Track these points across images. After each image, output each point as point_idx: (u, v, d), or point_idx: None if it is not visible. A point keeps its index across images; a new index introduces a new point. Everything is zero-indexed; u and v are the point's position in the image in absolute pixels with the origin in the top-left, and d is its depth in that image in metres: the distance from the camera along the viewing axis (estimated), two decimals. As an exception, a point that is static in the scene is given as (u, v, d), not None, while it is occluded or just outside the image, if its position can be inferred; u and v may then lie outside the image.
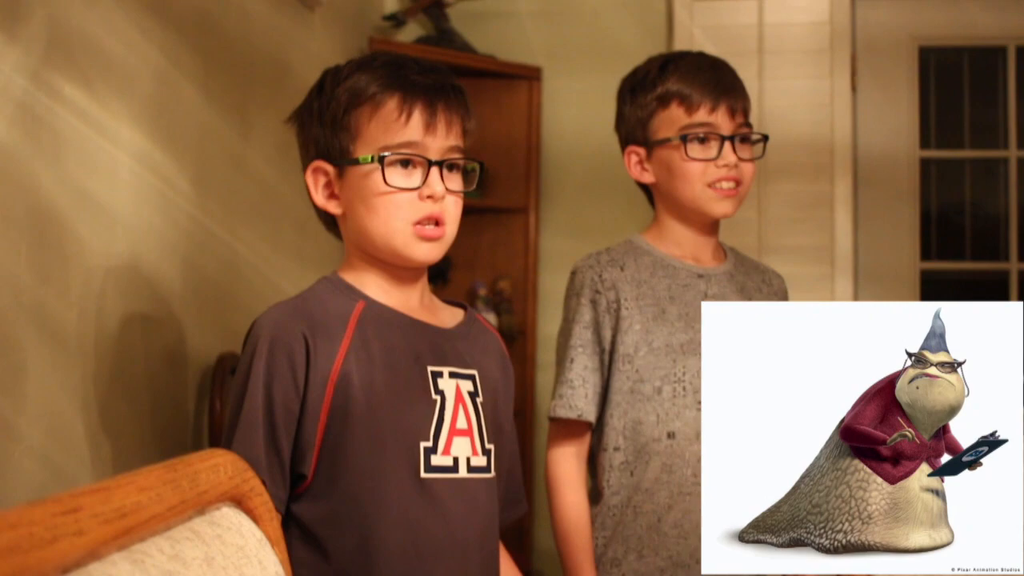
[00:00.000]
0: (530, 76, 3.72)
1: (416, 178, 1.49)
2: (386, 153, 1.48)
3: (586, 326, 1.94)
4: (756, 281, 2.05)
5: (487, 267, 3.71)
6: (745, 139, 1.94)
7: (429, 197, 1.49)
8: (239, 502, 1.08)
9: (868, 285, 3.74)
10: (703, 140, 1.91)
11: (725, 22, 3.72)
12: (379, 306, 1.52)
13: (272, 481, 1.39)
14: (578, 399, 1.91)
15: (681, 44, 3.68)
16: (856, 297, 3.65)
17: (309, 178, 1.56)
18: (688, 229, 1.99)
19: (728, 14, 3.72)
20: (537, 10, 3.86)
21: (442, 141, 1.51)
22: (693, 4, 3.72)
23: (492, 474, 1.55)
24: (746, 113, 1.95)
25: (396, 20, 3.73)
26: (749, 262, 2.08)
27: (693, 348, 1.89)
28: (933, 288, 3.82)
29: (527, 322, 3.65)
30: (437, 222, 1.51)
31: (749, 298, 1.99)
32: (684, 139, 1.90)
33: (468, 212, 3.66)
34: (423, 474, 1.45)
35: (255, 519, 1.09)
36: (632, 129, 1.99)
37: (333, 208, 1.55)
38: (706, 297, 1.95)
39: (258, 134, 2.68)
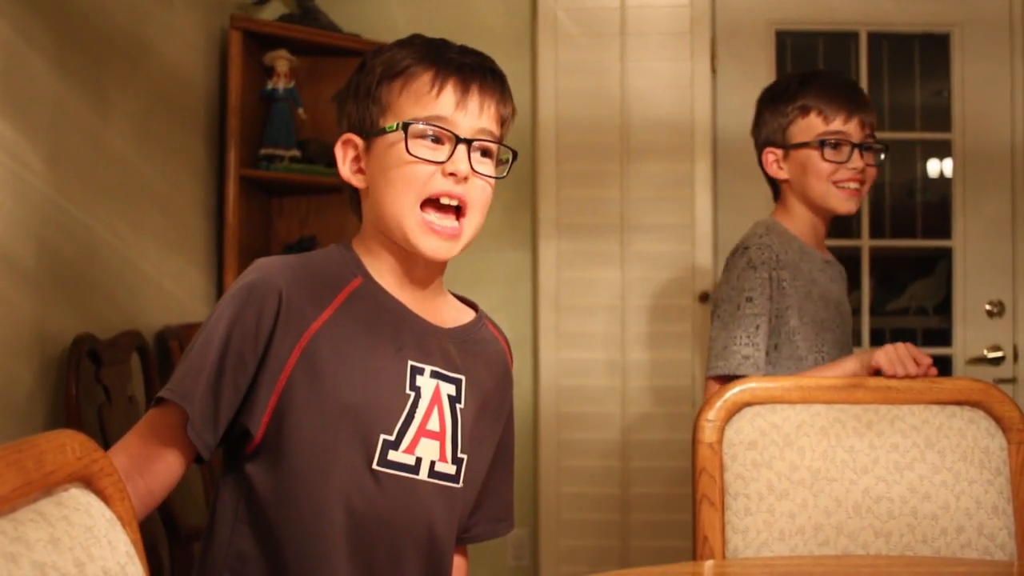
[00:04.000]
0: (396, 52, 3.71)
1: (442, 153, 1.44)
2: (412, 121, 1.44)
3: (768, 298, 2.20)
4: (840, 269, 2.39)
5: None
6: (870, 148, 2.26)
7: (452, 174, 1.43)
8: (88, 483, 1.07)
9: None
10: (836, 146, 2.22)
11: (588, 4, 3.76)
12: (376, 287, 1.47)
13: (202, 422, 1.36)
14: (761, 361, 2.14)
15: (545, 26, 3.72)
16: (715, 273, 3.73)
17: (339, 151, 1.51)
18: (811, 222, 2.30)
19: (591, -4, 3.76)
20: (402, -11, 3.85)
21: (473, 120, 1.46)
22: (556, -15, 3.75)
23: (459, 485, 1.51)
24: (873, 126, 2.27)
25: (259, -2, 3.70)
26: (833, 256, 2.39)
27: (829, 325, 2.23)
28: (789, 265, 3.93)
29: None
30: (458, 212, 1.45)
31: (843, 283, 2.36)
32: (821, 143, 2.22)
33: (333, 191, 3.66)
34: (375, 466, 1.42)
35: (105, 499, 1.08)
36: (772, 132, 2.32)
37: (357, 182, 1.50)
38: (832, 281, 2.30)
39: (116, 113, 2.63)
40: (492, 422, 1.59)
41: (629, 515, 3.65)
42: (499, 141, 1.51)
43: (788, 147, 2.28)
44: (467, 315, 1.58)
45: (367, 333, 1.43)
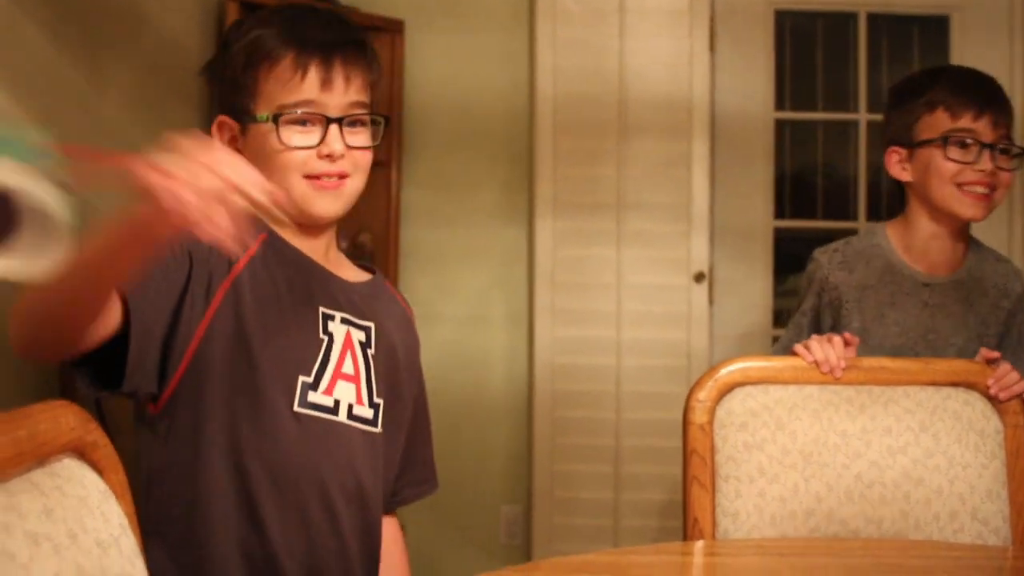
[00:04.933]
0: (393, 29, 3.70)
1: (314, 136, 1.47)
2: (281, 112, 1.46)
3: (805, 313, 2.14)
4: (987, 287, 2.11)
5: (349, 220, 3.61)
6: (1005, 151, 2.03)
7: (327, 156, 1.47)
8: (82, 454, 1.07)
9: (723, 242, 3.83)
10: (964, 145, 2.01)
11: (588, -20, 3.75)
12: (282, 241, 1.51)
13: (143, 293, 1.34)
14: None
15: (543, 2, 3.71)
16: (711, 253, 3.73)
17: (215, 132, 1.53)
18: (936, 229, 2.07)
19: (591, -27, 3.75)
20: (401, -37, 3.84)
21: (341, 98, 1.48)
22: (556, -38, 3.73)
23: (378, 430, 1.55)
24: (1009, 128, 2.05)
25: (257, -31, 3.67)
26: (990, 266, 2.13)
27: (903, 352, 2.03)
28: (786, 246, 3.94)
29: (389, 275, 3.65)
30: (340, 178, 1.50)
31: (972, 307, 2.08)
32: (945, 141, 2.01)
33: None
34: (296, 407, 1.45)
35: (99, 471, 1.08)
36: (897, 131, 2.10)
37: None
38: (926, 307, 2.07)
39: (111, 83, 2.62)
40: (406, 377, 1.62)
41: (622, 494, 3.65)
42: (369, 109, 1.53)
43: (912, 145, 2.06)
44: (366, 275, 1.63)
45: (279, 282, 1.48)
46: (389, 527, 1.66)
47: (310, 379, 1.46)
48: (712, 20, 3.79)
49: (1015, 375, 1.84)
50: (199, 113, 3.24)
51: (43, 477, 0.99)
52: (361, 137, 1.52)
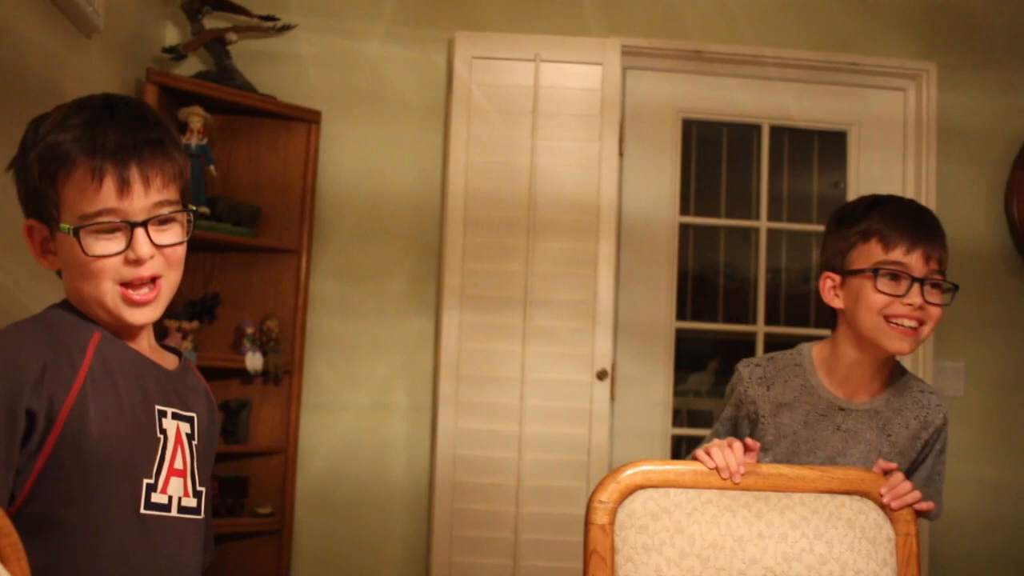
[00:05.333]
0: (309, 119, 3.73)
1: (120, 242, 1.46)
2: (82, 224, 1.45)
3: (723, 422, 2.17)
4: (907, 418, 2.12)
5: (256, 306, 3.68)
6: (936, 285, 2.03)
7: (135, 261, 1.47)
8: (-13, 543, 1.06)
9: (627, 340, 3.90)
10: (895, 277, 2.02)
11: (503, 81, 3.82)
12: (113, 339, 1.51)
13: (4, 483, 1.36)
14: None
15: (459, 99, 3.77)
16: (615, 351, 3.79)
17: (26, 236, 1.53)
18: (860, 358, 2.08)
19: (506, 74, 3.83)
20: (320, 54, 3.89)
21: (142, 200, 1.46)
22: (472, 61, 3.80)
23: (201, 516, 1.58)
24: (942, 263, 2.05)
25: (176, 53, 3.70)
26: (912, 397, 2.13)
27: None
28: (687, 346, 4.02)
29: (295, 362, 3.65)
30: (153, 280, 1.49)
31: (888, 436, 2.09)
32: (876, 272, 2.02)
33: (240, 250, 3.64)
34: (143, 510, 1.47)
35: (2, 559, 1.08)
36: (832, 256, 2.12)
37: (49, 265, 1.53)
38: (838, 431, 2.09)
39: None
40: (207, 460, 1.64)
41: (519, 588, 3.65)
42: (178, 204, 1.52)
43: (845, 273, 2.07)
44: (175, 358, 1.62)
45: (118, 384, 1.48)
46: None
47: (152, 480, 1.49)
48: (622, 125, 3.89)
49: (907, 485, 1.90)
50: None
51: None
52: (170, 234, 1.50)
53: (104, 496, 1.43)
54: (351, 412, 3.80)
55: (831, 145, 4.17)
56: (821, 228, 3.98)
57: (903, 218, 2.05)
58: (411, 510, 3.79)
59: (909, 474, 2.08)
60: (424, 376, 3.82)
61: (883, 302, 2.00)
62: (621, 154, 3.89)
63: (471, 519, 3.67)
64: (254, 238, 3.62)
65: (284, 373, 3.64)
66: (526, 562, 3.65)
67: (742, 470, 1.87)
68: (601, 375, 3.72)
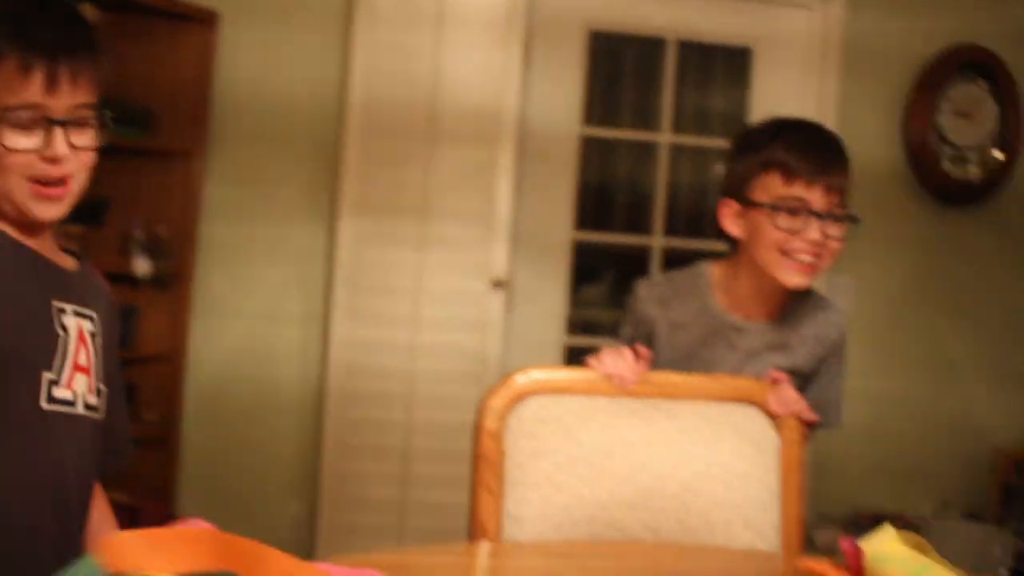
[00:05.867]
0: (206, 20, 3.61)
1: (37, 139, 1.44)
2: (3, 115, 1.42)
3: (624, 340, 2.06)
4: (806, 336, 2.09)
5: (147, 211, 3.58)
6: (836, 218, 1.98)
7: (51, 159, 1.45)
8: None
9: (524, 251, 3.88)
10: (794, 212, 1.96)
11: (406, -15, 3.74)
12: (8, 237, 1.49)
13: None
14: None
15: (362, 3, 3.68)
16: (511, 261, 3.77)
17: None
18: (756, 285, 2.05)
19: (409, -23, 3.74)
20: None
21: (67, 100, 1.45)
22: (375, -36, 3.71)
23: (101, 416, 1.57)
24: (843, 193, 1.99)
25: (62, -57, 3.54)
26: (810, 314, 2.10)
27: None
28: (585, 258, 4.02)
29: (186, 269, 3.57)
30: (62, 181, 1.47)
31: (785, 354, 2.06)
32: (775, 208, 1.97)
33: (130, 153, 3.52)
34: (44, 405, 1.45)
35: None
36: (732, 184, 2.05)
37: None
38: (734, 350, 2.05)
39: None
40: (112, 357, 1.64)
41: (409, 493, 3.66)
42: (96, 110, 1.50)
43: (745, 203, 2.02)
44: (74, 261, 1.61)
45: (11, 280, 1.47)
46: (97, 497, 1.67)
47: (53, 375, 1.47)
48: (527, 35, 3.83)
49: (794, 394, 1.91)
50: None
51: None
52: (86, 138, 1.49)
53: (3, 388, 1.42)
54: (243, 320, 3.75)
55: (736, 61, 4.16)
56: (723, 144, 4.01)
57: (806, 149, 1.99)
58: (302, 419, 3.76)
59: (806, 388, 2.09)
60: (317, 285, 3.77)
61: (781, 238, 1.96)
62: (526, 64, 3.84)
63: (363, 427, 3.66)
64: (145, 141, 3.51)
65: (173, 279, 3.55)
66: (417, 468, 3.65)
67: (633, 377, 1.86)
68: (497, 284, 3.70)
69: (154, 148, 3.55)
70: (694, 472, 1.82)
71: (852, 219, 2.01)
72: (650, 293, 2.12)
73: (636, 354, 1.90)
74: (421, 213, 3.70)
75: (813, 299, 2.13)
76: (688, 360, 2.06)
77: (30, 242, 1.51)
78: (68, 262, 1.59)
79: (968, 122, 4.21)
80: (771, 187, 1.98)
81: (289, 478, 3.76)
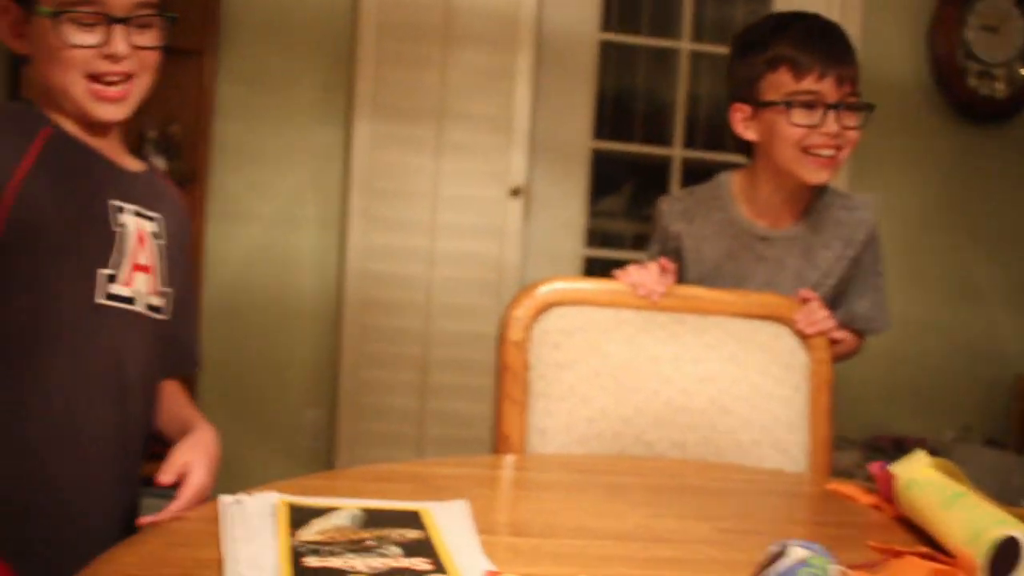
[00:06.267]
0: (216, -89, 3.52)
1: (98, 35, 1.45)
2: (63, 9, 1.43)
3: (651, 257, 2.02)
4: (830, 239, 2.05)
5: (158, 109, 3.52)
6: (850, 107, 1.94)
7: (110, 56, 1.45)
8: None
9: (542, 158, 3.82)
10: (809, 106, 1.93)
11: None
12: (67, 135, 1.49)
13: None
14: None
15: None
16: (529, 169, 3.71)
17: None
18: (778, 188, 2.01)
19: None
20: None
21: None
22: None
23: (166, 317, 1.57)
24: (854, 82, 1.95)
25: None
26: (835, 215, 2.06)
27: None
28: (603, 167, 3.96)
29: (199, 169, 3.52)
30: (127, 78, 1.48)
31: (810, 260, 2.03)
32: (789, 104, 1.93)
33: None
34: (98, 300, 1.46)
35: None
36: (740, 87, 2.01)
37: (19, 47, 1.50)
38: (762, 260, 2.02)
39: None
40: (182, 262, 1.65)
41: (428, 402, 3.65)
42: (157, 8, 1.52)
43: (757, 104, 1.98)
44: (142, 165, 1.62)
45: (69, 177, 1.47)
46: (172, 386, 1.68)
47: (109, 271, 1.47)
48: (544, -66, 3.73)
49: (823, 312, 1.88)
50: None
51: None
52: (147, 37, 1.50)
53: (56, 285, 1.43)
54: (258, 223, 3.70)
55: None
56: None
57: (811, 41, 1.94)
58: (319, 324, 3.73)
59: (842, 293, 2.05)
60: (333, 188, 3.72)
61: (799, 135, 1.93)
62: (543, -35, 3.74)
63: (380, 335, 3.63)
64: (156, 37, 3.43)
65: (188, 179, 3.50)
66: (435, 377, 3.64)
67: (660, 288, 1.82)
68: (515, 192, 3.65)
69: (165, 47, 3.47)
70: (721, 389, 1.80)
71: (867, 107, 1.97)
72: (673, 208, 2.09)
73: (662, 268, 1.86)
74: (438, 117, 3.63)
75: (837, 200, 2.09)
76: (716, 273, 2.03)
77: (92, 140, 1.52)
78: (133, 164, 1.59)
79: (995, 37, 4.12)
80: (781, 84, 1.94)
81: (307, 385, 3.75)
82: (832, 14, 3.89)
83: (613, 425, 1.77)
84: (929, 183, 4.12)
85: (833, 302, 2.02)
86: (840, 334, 1.92)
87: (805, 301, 1.89)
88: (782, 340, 1.85)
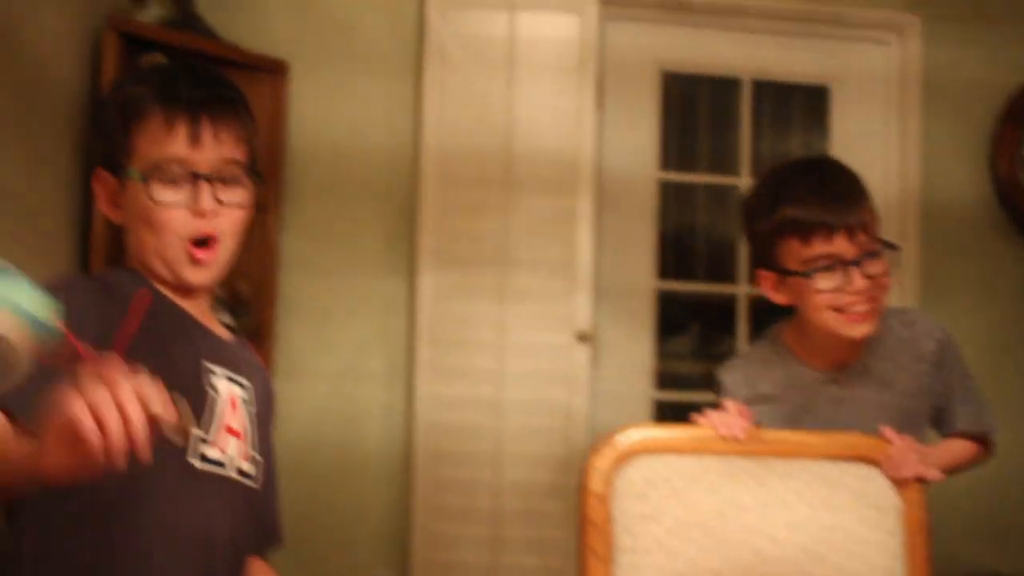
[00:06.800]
0: (276, 70, 3.59)
1: (186, 192, 1.49)
2: (151, 170, 1.49)
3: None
4: (900, 360, 1.99)
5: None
6: (873, 255, 1.87)
7: (199, 213, 1.49)
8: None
9: (607, 301, 3.80)
10: (829, 268, 1.86)
11: (477, 31, 3.70)
12: (164, 298, 1.53)
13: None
14: None
15: (432, 50, 3.65)
16: (595, 312, 3.69)
17: (95, 185, 1.56)
18: (829, 338, 1.94)
19: (480, 24, 3.70)
20: (287, 2, 3.74)
21: (211, 154, 1.50)
22: (446, 11, 3.68)
23: (257, 486, 1.57)
24: (869, 228, 1.88)
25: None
26: (896, 336, 1.99)
27: None
28: (668, 307, 3.93)
29: (266, 326, 3.53)
30: (208, 241, 1.51)
31: (887, 387, 1.97)
32: (807, 273, 1.86)
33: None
34: (193, 461, 1.46)
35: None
36: (759, 254, 1.97)
37: (116, 218, 1.56)
38: (836, 402, 1.95)
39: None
40: (266, 434, 1.65)
41: (499, 557, 3.56)
42: (243, 167, 1.55)
43: (778, 272, 1.93)
44: (228, 333, 1.65)
45: (166, 341, 1.49)
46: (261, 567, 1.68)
47: (203, 434, 1.47)
48: (600, 78, 3.78)
49: (911, 456, 1.80)
50: (74, 148, 3.10)
51: None
52: (234, 194, 1.53)
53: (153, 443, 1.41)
54: (324, 378, 3.68)
55: (813, 100, 4.07)
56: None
57: (813, 200, 1.85)
58: (388, 480, 3.67)
59: (944, 407, 1.98)
60: (399, 340, 3.70)
61: (828, 299, 1.86)
62: (600, 107, 3.78)
63: (451, 486, 3.57)
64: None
65: (255, 336, 3.51)
66: (507, 531, 3.56)
67: (743, 424, 1.77)
68: (581, 337, 3.62)
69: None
70: (812, 536, 1.73)
71: (891, 246, 1.90)
72: (733, 377, 2.02)
73: (739, 411, 1.81)
74: (501, 264, 3.63)
75: (895, 318, 2.01)
76: (798, 428, 1.95)
77: (185, 304, 1.55)
78: (223, 332, 1.62)
79: (1056, 153, 4.07)
80: (794, 251, 1.88)
81: (377, 542, 3.67)
82: (890, 140, 3.93)
83: (703, 578, 1.70)
84: (1000, 307, 4.03)
85: (938, 420, 1.96)
86: (932, 474, 1.84)
87: (887, 441, 1.82)
88: (872, 482, 1.79)
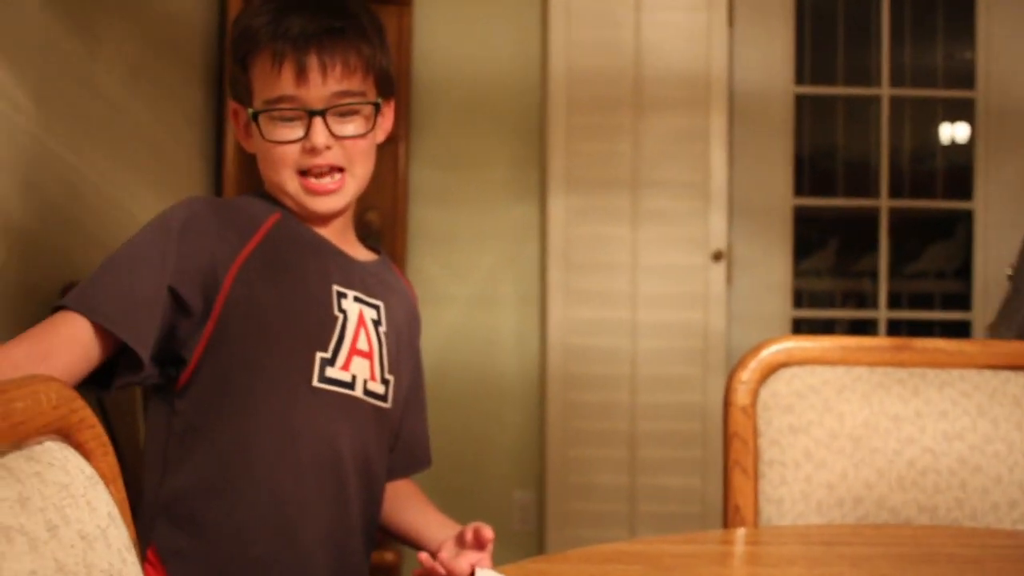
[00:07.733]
0: (400, 2, 3.57)
1: (298, 130, 1.47)
2: (263, 109, 1.48)
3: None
4: None
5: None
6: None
7: (311, 150, 1.47)
8: (66, 435, 0.94)
9: (742, 220, 3.71)
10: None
11: (603, -50, 3.62)
12: (294, 221, 1.52)
13: (149, 319, 1.36)
14: None
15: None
16: (729, 232, 3.61)
17: (230, 117, 1.57)
18: None
19: (606, -59, 3.62)
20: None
21: (320, 90, 1.46)
22: (571, -71, 3.61)
23: (389, 405, 1.55)
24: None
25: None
26: None
27: None
28: (805, 224, 3.83)
29: (397, 255, 3.54)
30: (333, 171, 1.49)
31: None
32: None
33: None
34: (315, 383, 1.45)
35: (85, 454, 0.96)
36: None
37: (248, 147, 1.56)
38: None
39: (108, 53, 2.49)
40: (407, 356, 1.63)
41: (638, 478, 3.54)
42: (361, 95, 1.50)
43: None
44: (372, 255, 1.63)
45: (291, 261, 1.49)
46: (408, 486, 1.69)
47: (327, 355, 1.46)
48: (730, -9, 3.66)
49: None
50: (202, 85, 3.12)
51: (19, 461, 0.86)
52: (352, 126, 1.50)
53: (273, 366, 1.44)
54: (457, 305, 3.69)
55: (956, 6, 3.89)
56: (949, 95, 3.76)
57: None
58: (523, 403, 3.68)
59: None
60: (531, 265, 3.68)
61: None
62: (731, 24, 3.67)
63: (585, 410, 3.56)
64: (349, 128, 3.49)
65: (386, 266, 3.53)
66: (643, 452, 3.54)
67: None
68: (716, 257, 3.55)
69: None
70: (970, 446, 1.64)
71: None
72: None
73: None
74: (632, 186, 3.57)
75: None
76: None
77: (321, 228, 1.53)
78: (362, 253, 1.60)
79: None
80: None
81: (513, 465, 3.69)
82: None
83: (854, 490, 1.63)
84: None
85: None
86: None
87: None
88: (1036, 390, 1.69)
